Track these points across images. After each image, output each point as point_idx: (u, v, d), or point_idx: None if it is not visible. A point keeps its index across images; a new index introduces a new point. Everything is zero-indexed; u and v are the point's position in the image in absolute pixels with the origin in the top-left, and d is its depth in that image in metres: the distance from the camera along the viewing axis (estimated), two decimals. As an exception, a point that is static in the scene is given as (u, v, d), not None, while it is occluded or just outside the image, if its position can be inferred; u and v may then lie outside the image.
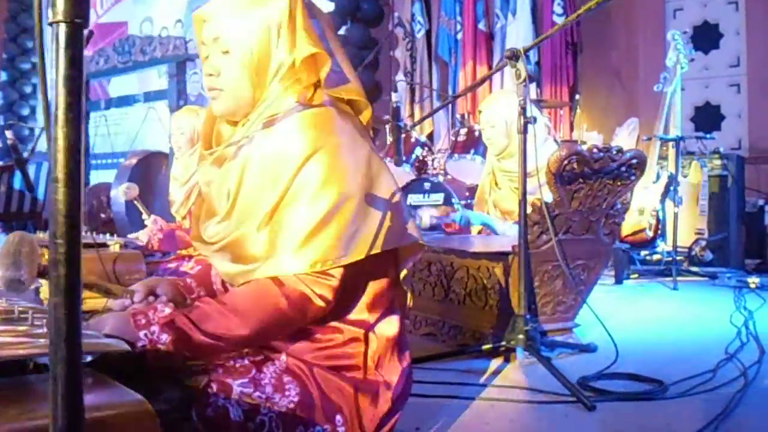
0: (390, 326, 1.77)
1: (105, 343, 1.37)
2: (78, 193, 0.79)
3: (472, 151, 5.86)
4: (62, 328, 0.79)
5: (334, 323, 1.70)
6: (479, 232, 3.71)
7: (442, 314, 3.30)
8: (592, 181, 2.83)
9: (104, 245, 3.87)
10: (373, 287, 1.73)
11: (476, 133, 5.91)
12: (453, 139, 6.05)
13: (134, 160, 6.40)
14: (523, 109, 2.62)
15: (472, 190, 5.15)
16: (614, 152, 2.81)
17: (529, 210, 2.72)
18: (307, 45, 1.66)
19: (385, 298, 1.77)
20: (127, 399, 1.12)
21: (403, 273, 1.83)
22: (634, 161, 2.88)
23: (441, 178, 5.38)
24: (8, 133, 3.66)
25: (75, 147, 0.79)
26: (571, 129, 7.15)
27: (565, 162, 2.73)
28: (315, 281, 1.59)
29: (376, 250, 1.62)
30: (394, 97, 3.90)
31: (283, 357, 1.65)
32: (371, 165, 1.67)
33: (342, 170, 1.60)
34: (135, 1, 10.51)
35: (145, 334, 1.47)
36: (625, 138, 7.05)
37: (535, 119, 2.62)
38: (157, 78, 9.44)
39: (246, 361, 1.61)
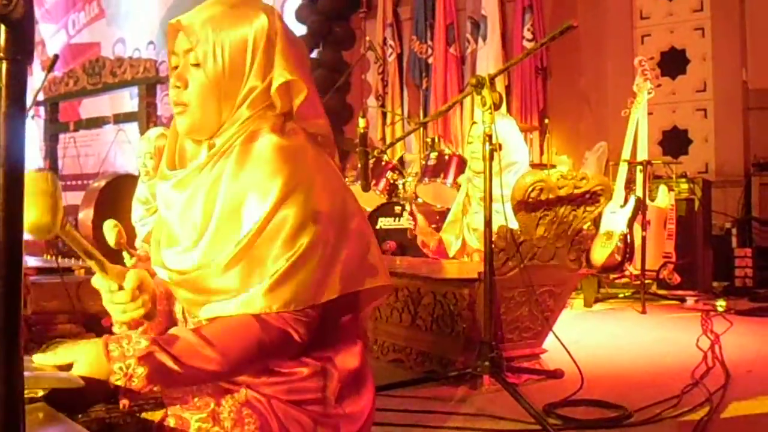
0: (351, 358, 1.74)
1: (57, 377, 1.35)
2: (19, 233, 0.78)
3: (442, 174, 5.89)
4: (3, 369, 0.78)
5: (296, 359, 1.67)
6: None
7: (409, 340, 3.29)
8: (557, 208, 2.85)
9: (69, 270, 3.83)
10: (335, 322, 1.70)
11: (446, 157, 5.95)
12: (423, 162, 6.07)
13: (102, 183, 6.34)
14: (489, 137, 2.63)
15: (443, 213, 5.16)
16: (579, 179, 2.83)
17: (494, 237, 2.72)
18: (284, 71, 1.59)
19: (347, 331, 1.74)
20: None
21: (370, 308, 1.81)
22: (599, 188, 2.90)
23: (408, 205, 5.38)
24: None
25: (17, 185, 0.77)
26: (541, 153, 7.21)
27: (530, 189, 2.75)
28: (295, 319, 1.55)
29: (345, 291, 1.59)
30: (361, 122, 3.90)
31: (243, 390, 1.62)
32: (346, 204, 1.63)
33: (318, 211, 1.54)
34: (108, 22, 10.48)
35: (120, 368, 1.38)
36: (594, 162, 7.12)
37: (500, 146, 2.63)
38: (128, 99, 9.40)
39: (203, 395, 1.58)
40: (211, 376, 1.52)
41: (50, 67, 3.36)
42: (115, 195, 6.15)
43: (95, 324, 3.80)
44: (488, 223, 2.63)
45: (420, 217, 4.26)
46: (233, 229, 1.57)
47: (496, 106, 2.66)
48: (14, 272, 0.77)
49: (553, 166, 6.58)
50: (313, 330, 1.58)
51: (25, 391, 1.29)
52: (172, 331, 1.54)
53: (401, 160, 7.84)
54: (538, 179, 2.75)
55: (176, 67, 1.65)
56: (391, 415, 2.50)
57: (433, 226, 5.36)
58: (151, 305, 1.62)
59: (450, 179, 5.76)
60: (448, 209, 4.47)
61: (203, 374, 1.48)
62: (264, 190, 1.54)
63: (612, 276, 5.59)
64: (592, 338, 4.04)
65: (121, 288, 1.58)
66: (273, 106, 1.63)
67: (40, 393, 1.32)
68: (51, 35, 11.12)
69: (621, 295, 5.63)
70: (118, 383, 1.38)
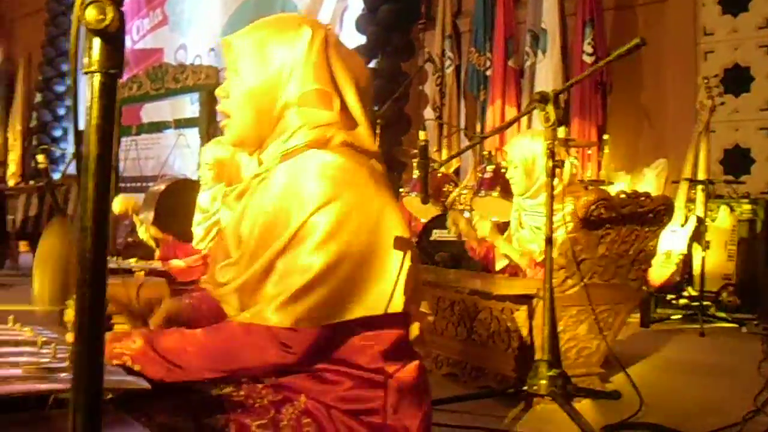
0: (410, 371, 1.74)
1: (125, 381, 1.37)
2: (105, 242, 0.79)
3: (499, 188, 5.85)
4: (84, 374, 0.79)
5: (351, 370, 1.67)
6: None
7: (464, 355, 3.27)
8: (620, 227, 2.81)
9: (129, 271, 3.90)
10: (390, 337, 1.69)
11: (502, 171, 5.91)
12: (480, 175, 6.04)
13: (162, 186, 6.44)
14: (552, 152, 2.60)
15: (499, 227, 5.12)
16: (642, 198, 2.78)
17: (555, 254, 2.70)
18: (312, 81, 1.62)
19: (403, 346, 1.73)
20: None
21: (414, 333, 1.78)
22: (662, 207, 2.85)
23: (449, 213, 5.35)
24: (40, 158, 3.71)
25: (104, 197, 0.79)
26: (599, 169, 7.11)
27: (593, 207, 2.71)
28: (282, 331, 1.54)
29: (372, 312, 1.56)
30: (422, 135, 3.90)
31: (302, 398, 1.63)
32: (381, 223, 1.60)
33: (347, 228, 1.54)
34: (171, 29, 10.65)
35: (117, 363, 1.50)
36: (653, 179, 7.00)
37: (563, 162, 2.61)
38: (189, 105, 9.55)
39: (265, 401, 1.60)
40: (195, 375, 1.56)
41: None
42: (175, 198, 6.24)
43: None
44: (548, 240, 2.60)
45: (462, 222, 4.23)
46: (270, 240, 1.60)
47: (559, 123, 2.64)
48: (99, 281, 0.78)
49: (611, 183, 6.49)
50: (318, 346, 1.58)
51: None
52: (170, 330, 1.63)
53: (456, 172, 7.81)
54: (602, 197, 2.71)
55: (225, 80, 1.72)
56: (447, 431, 2.49)
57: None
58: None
59: (505, 193, 5.72)
60: (505, 223, 4.44)
61: (187, 373, 1.54)
62: (299, 202, 1.56)
63: (670, 296, 5.49)
64: (650, 359, 3.96)
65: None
66: (314, 119, 1.64)
67: (108, 396, 1.34)
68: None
69: (675, 317, 5.51)
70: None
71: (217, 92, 1.70)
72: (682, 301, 5.46)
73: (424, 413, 1.75)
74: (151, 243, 4.21)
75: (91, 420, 0.79)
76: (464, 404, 2.82)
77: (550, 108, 2.61)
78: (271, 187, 1.63)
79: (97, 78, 0.79)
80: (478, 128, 7.86)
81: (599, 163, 7.14)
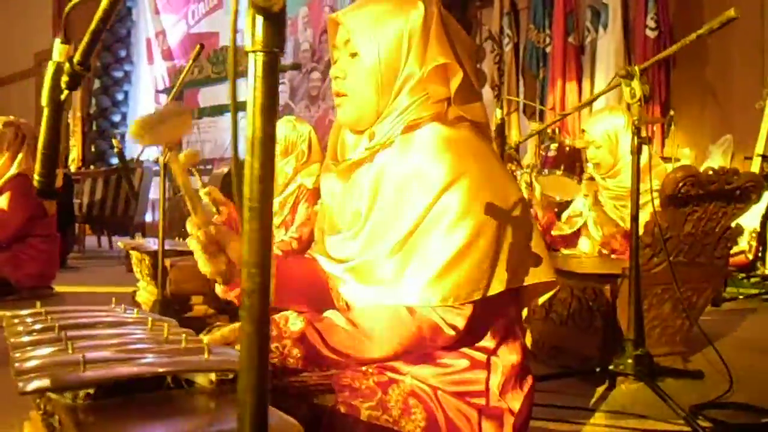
0: (513, 353, 1.73)
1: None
2: (270, 222, 0.79)
3: (563, 166, 5.78)
4: (254, 357, 0.79)
5: (455, 349, 1.66)
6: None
7: (542, 334, 3.25)
8: (707, 204, 2.75)
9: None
10: (499, 314, 1.68)
11: (566, 149, 5.84)
12: (543, 154, 5.97)
13: (225, 169, 6.53)
14: (638, 129, 2.56)
15: (561, 205, 5.07)
16: (730, 175, 2.73)
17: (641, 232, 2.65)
18: (438, 55, 1.59)
19: (511, 325, 1.72)
20: (281, 422, 1.13)
21: (525, 312, 1.78)
22: (750, 184, 2.79)
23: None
24: (115, 141, 3.76)
25: (269, 177, 0.79)
26: (663, 146, 6.98)
27: (681, 184, 2.66)
28: (447, 310, 1.54)
29: (510, 285, 1.56)
30: (498, 113, 3.87)
31: (408, 379, 1.63)
32: (507, 193, 1.59)
33: (480, 201, 1.52)
34: (226, 12, 10.70)
35: (276, 347, 1.47)
36: (719, 155, 6.86)
37: (649, 139, 2.56)
38: (245, 88, 9.59)
39: (370, 382, 1.60)
40: (363, 361, 1.56)
41: (196, 56, 3.46)
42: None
43: (229, 307, 3.91)
44: (635, 217, 2.56)
45: (538, 188, 4.20)
46: (396, 218, 1.58)
47: (646, 99, 2.59)
48: (265, 261, 0.78)
49: (678, 160, 6.37)
50: (471, 322, 1.57)
51: (215, 376, 1.34)
52: (327, 314, 1.56)
53: (515, 150, 7.73)
54: (690, 174, 2.66)
55: (336, 60, 1.68)
56: (535, 410, 2.47)
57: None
58: (227, 267, 1.58)
59: (569, 171, 5.65)
60: (568, 202, 4.39)
61: (353, 359, 1.52)
62: (427, 179, 1.54)
63: (740, 275, 5.38)
64: (726, 339, 3.89)
65: (201, 229, 1.56)
66: (430, 93, 1.62)
67: (230, 376, 1.36)
68: (172, 25, 11.47)
69: (742, 296, 5.39)
70: (274, 361, 1.45)
71: (333, 73, 1.68)
72: (754, 280, 5.35)
73: (528, 394, 1.75)
74: (211, 207, 4.24)
75: (260, 400, 0.80)
76: (547, 383, 2.80)
77: (636, 83, 2.57)
78: (392, 163, 1.61)
79: (260, 57, 0.79)
80: (539, 106, 7.77)
81: (663, 140, 7.02)
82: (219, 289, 1.68)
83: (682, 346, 3.03)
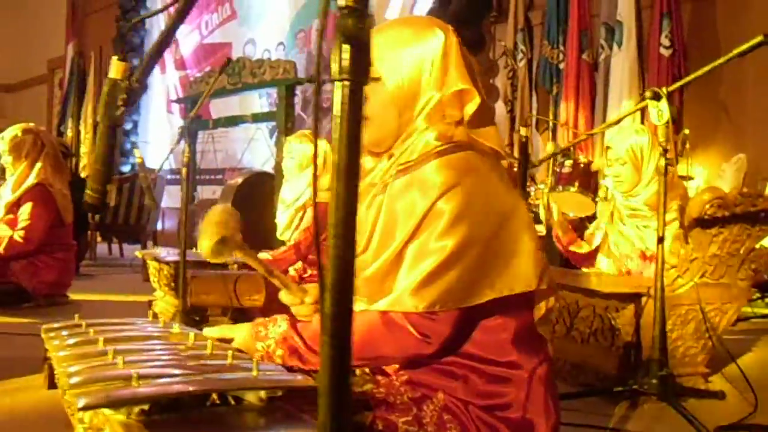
0: (540, 365, 1.75)
1: (294, 380, 1.40)
2: (354, 247, 0.81)
3: (577, 183, 5.79)
4: (333, 376, 0.80)
5: (482, 365, 1.68)
6: None
7: (562, 352, 3.25)
8: (732, 226, 2.77)
9: (224, 265, 3.96)
10: (517, 322, 1.70)
11: (581, 165, 5.85)
12: (557, 170, 5.99)
13: (239, 180, 6.55)
14: (665, 150, 2.58)
15: (575, 222, 5.08)
16: (756, 197, 2.74)
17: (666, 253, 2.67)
18: (458, 80, 1.65)
19: (532, 337, 1.75)
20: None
21: (539, 313, 1.79)
22: (776, 206, 2.81)
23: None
24: (137, 152, 3.78)
25: (352, 204, 0.80)
26: (676, 163, 6.98)
27: (707, 206, 2.68)
28: (424, 317, 1.56)
29: (503, 294, 1.59)
30: (523, 131, 3.88)
31: (440, 395, 1.66)
32: (504, 204, 1.64)
33: (474, 210, 1.58)
34: (240, 23, 10.76)
35: (262, 346, 1.60)
36: (732, 174, 6.85)
37: (677, 160, 2.57)
38: (257, 99, 9.65)
39: (405, 398, 1.63)
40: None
41: (222, 68, 3.48)
42: (251, 191, 6.34)
43: (245, 318, 3.93)
44: (660, 239, 2.58)
45: (555, 209, 4.21)
46: (397, 228, 1.65)
47: (673, 120, 2.61)
48: (348, 285, 0.79)
49: (691, 178, 6.38)
50: (454, 332, 1.60)
51: (265, 393, 1.35)
52: (315, 316, 1.68)
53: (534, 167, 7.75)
54: (716, 196, 2.68)
55: None
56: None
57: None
58: None
59: (583, 188, 5.67)
60: (580, 219, 4.40)
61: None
62: (423, 188, 1.60)
63: (756, 294, 5.37)
64: (743, 359, 3.88)
65: (302, 302, 1.74)
66: (446, 114, 1.69)
67: (279, 393, 1.37)
68: (185, 35, 11.52)
69: (757, 317, 5.35)
70: (262, 357, 1.58)
71: None
72: (768, 300, 5.35)
73: (556, 407, 1.77)
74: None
75: (339, 415, 0.81)
76: (569, 402, 2.80)
77: (663, 104, 2.58)
78: (398, 182, 1.68)
79: (346, 86, 0.80)
80: (551, 122, 7.78)
81: (676, 158, 7.02)
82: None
83: (703, 367, 3.03)
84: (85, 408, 1.24)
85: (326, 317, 0.79)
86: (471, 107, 1.67)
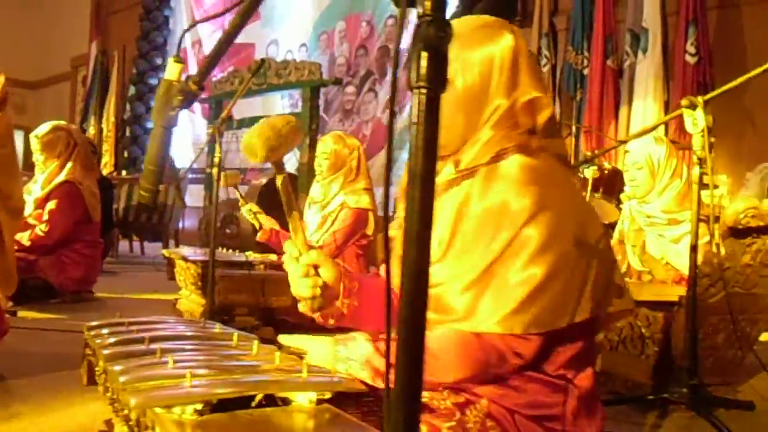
0: (587, 378, 1.74)
1: (342, 383, 1.40)
2: (428, 251, 0.81)
3: (601, 189, 5.79)
4: (407, 387, 0.81)
5: (533, 373, 1.67)
6: None
7: (590, 359, 3.25)
8: (765, 236, 2.75)
9: (250, 263, 3.99)
10: (575, 343, 1.69)
11: (605, 172, 5.84)
12: (581, 176, 5.98)
13: (264, 180, 6.57)
14: (700, 160, 2.57)
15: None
16: (791, 207, 2.73)
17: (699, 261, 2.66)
18: (530, 88, 1.61)
19: (585, 351, 1.73)
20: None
21: (600, 336, 1.78)
22: (810, 217, 2.79)
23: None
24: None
25: (429, 211, 0.81)
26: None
27: (742, 216, 2.67)
28: (515, 338, 1.55)
29: (595, 314, 1.56)
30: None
31: (484, 401, 1.64)
32: (589, 224, 1.60)
33: (562, 234, 1.53)
34: (263, 24, 10.79)
35: (344, 368, 1.52)
36: (757, 183, 6.81)
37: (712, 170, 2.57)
38: (279, 100, 9.67)
39: (448, 403, 1.62)
40: (432, 385, 1.58)
41: (255, 71, 3.50)
42: (275, 191, 6.36)
43: (272, 318, 3.95)
44: (694, 248, 2.57)
45: None
46: (478, 247, 1.58)
47: (709, 129, 2.60)
48: (422, 294, 0.80)
49: (716, 187, 6.34)
50: (540, 351, 1.58)
51: (316, 395, 1.36)
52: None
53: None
54: (751, 206, 2.67)
55: None
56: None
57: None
58: (320, 295, 1.64)
59: (607, 194, 5.66)
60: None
61: (435, 374, 1.53)
62: (510, 210, 1.54)
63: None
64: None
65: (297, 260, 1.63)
66: (517, 125, 1.63)
67: (327, 395, 1.38)
68: (208, 35, 11.57)
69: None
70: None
71: None
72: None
73: (600, 420, 1.76)
74: (254, 221, 4.29)
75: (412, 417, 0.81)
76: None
77: (699, 113, 2.58)
78: (476, 193, 1.62)
79: (424, 93, 0.81)
80: (574, 128, 7.76)
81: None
82: (304, 306, 1.70)
83: (733, 377, 3.02)
84: (138, 407, 1.25)
85: (400, 324, 0.80)
86: (544, 116, 1.63)
